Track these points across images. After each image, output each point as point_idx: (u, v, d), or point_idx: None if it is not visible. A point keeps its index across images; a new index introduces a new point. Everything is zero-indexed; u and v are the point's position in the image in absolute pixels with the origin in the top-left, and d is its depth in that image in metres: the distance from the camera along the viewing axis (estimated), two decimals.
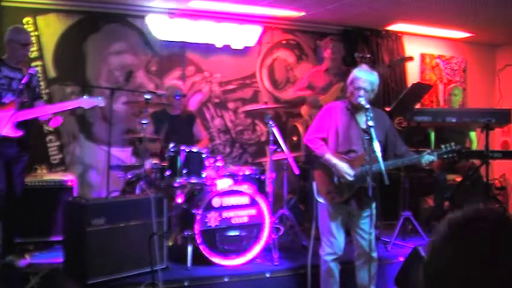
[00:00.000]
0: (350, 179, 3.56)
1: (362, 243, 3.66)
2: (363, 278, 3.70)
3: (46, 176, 4.88)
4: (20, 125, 3.93)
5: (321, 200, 3.70)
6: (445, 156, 3.58)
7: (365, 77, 3.57)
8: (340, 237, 3.68)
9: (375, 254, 3.59)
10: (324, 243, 3.71)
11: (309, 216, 5.21)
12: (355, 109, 3.64)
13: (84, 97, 4.13)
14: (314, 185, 3.74)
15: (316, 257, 3.78)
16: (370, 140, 3.33)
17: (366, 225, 3.63)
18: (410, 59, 5.84)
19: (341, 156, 3.61)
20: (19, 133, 3.91)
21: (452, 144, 3.59)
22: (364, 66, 3.74)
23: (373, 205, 3.58)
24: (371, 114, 3.39)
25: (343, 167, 3.56)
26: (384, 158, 3.41)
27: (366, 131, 3.46)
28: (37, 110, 4.11)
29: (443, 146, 3.60)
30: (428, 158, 3.54)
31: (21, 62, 4.14)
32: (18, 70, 4.08)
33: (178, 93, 4.95)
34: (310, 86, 5.34)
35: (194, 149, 4.34)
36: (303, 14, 5.97)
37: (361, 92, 3.53)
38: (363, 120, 3.59)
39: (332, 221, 3.67)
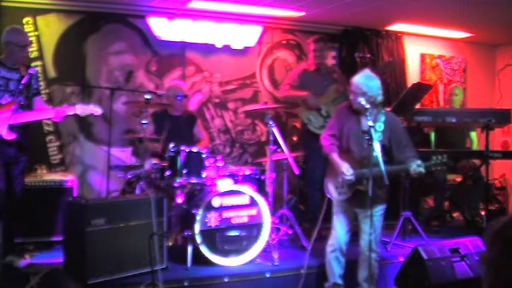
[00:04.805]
0: (347, 178, 3.65)
1: (360, 243, 3.80)
2: (362, 276, 3.80)
3: (46, 176, 4.87)
4: (16, 127, 3.88)
5: (329, 195, 3.87)
6: (433, 168, 3.67)
7: (359, 80, 3.67)
8: (340, 231, 3.82)
9: (374, 255, 3.62)
10: (330, 235, 3.89)
11: (308, 216, 5.22)
12: (357, 112, 3.75)
13: (78, 105, 4.06)
14: (326, 181, 3.90)
15: (315, 257, 3.81)
16: (370, 140, 3.39)
17: (366, 226, 3.69)
18: (390, 63, 5.97)
19: (347, 156, 3.71)
20: (12, 136, 3.87)
21: (445, 156, 3.65)
22: (365, 71, 3.79)
23: (380, 207, 3.71)
24: (372, 116, 3.48)
25: (343, 167, 3.66)
26: (388, 160, 3.52)
27: (367, 133, 3.52)
28: (33, 113, 4.07)
29: (434, 158, 3.66)
30: (416, 168, 3.56)
31: (20, 64, 4.09)
32: (15, 71, 4.04)
33: (179, 94, 4.95)
34: (304, 86, 5.12)
35: (194, 149, 4.33)
36: (303, 14, 5.97)
37: (354, 96, 3.66)
38: (365, 122, 3.64)
39: (336, 215, 3.86)
